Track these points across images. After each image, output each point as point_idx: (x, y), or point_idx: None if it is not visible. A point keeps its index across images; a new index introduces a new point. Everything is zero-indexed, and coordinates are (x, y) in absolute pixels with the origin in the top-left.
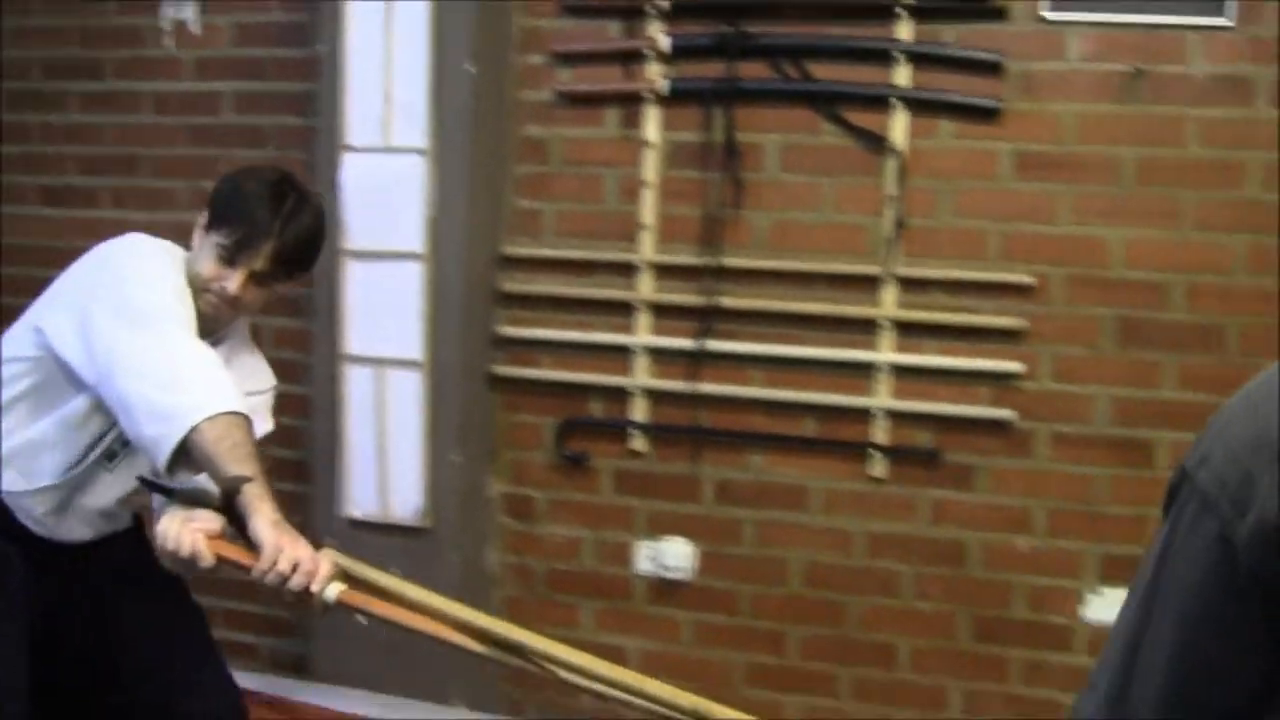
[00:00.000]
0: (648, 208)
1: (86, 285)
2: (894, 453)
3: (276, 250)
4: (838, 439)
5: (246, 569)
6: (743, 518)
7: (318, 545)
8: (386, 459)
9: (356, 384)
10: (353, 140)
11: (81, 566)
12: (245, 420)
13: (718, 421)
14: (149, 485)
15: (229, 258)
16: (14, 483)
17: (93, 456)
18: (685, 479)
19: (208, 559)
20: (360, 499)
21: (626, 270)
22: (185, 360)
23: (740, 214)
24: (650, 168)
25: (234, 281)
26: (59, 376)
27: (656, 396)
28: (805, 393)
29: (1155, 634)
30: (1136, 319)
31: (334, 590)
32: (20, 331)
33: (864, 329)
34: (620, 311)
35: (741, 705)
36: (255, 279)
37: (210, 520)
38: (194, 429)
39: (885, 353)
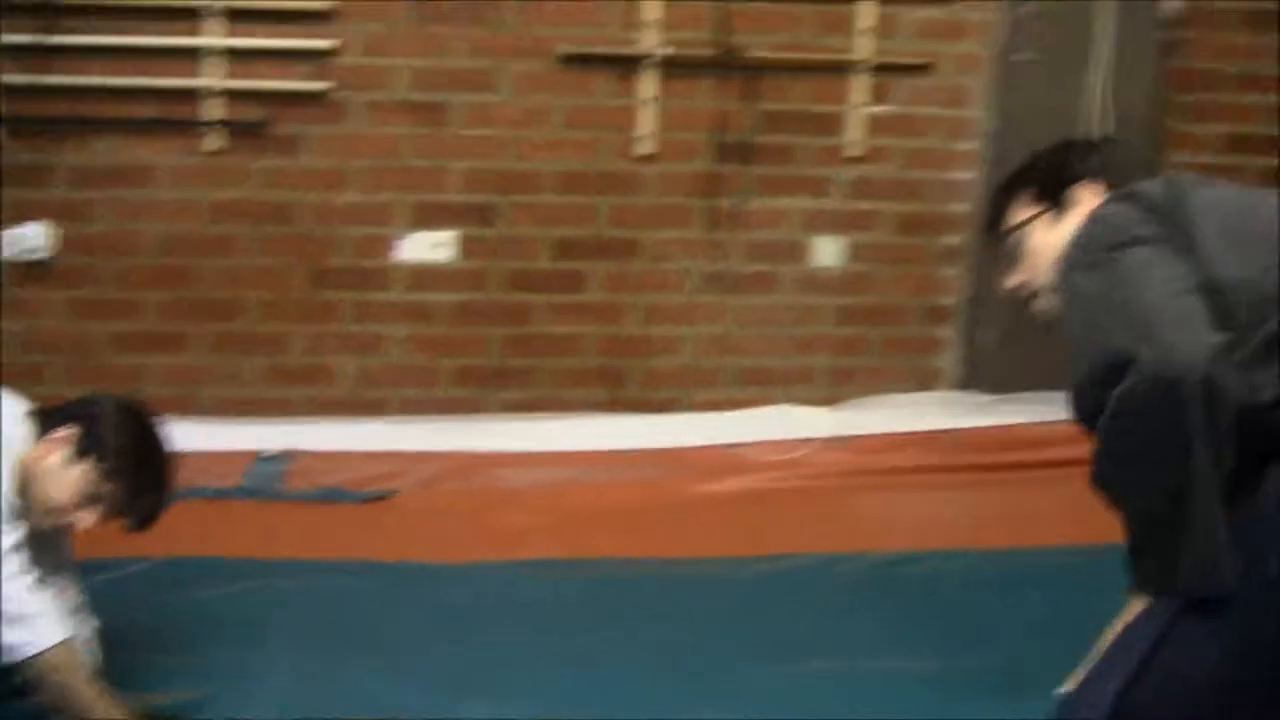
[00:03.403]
0: None
1: None
2: (228, 127)
3: (151, 513)
4: (177, 118)
5: None
6: (96, 198)
7: None
8: None
9: None
10: None
11: None
12: (66, 647)
13: (67, 111)
14: None
15: (101, 508)
16: None
17: None
18: (40, 167)
19: None
20: None
21: None
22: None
23: None
24: None
25: (91, 519)
26: None
27: (8, 91)
28: (144, 79)
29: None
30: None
31: None
32: None
33: (189, 17)
34: None
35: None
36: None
37: None
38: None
39: (213, 37)
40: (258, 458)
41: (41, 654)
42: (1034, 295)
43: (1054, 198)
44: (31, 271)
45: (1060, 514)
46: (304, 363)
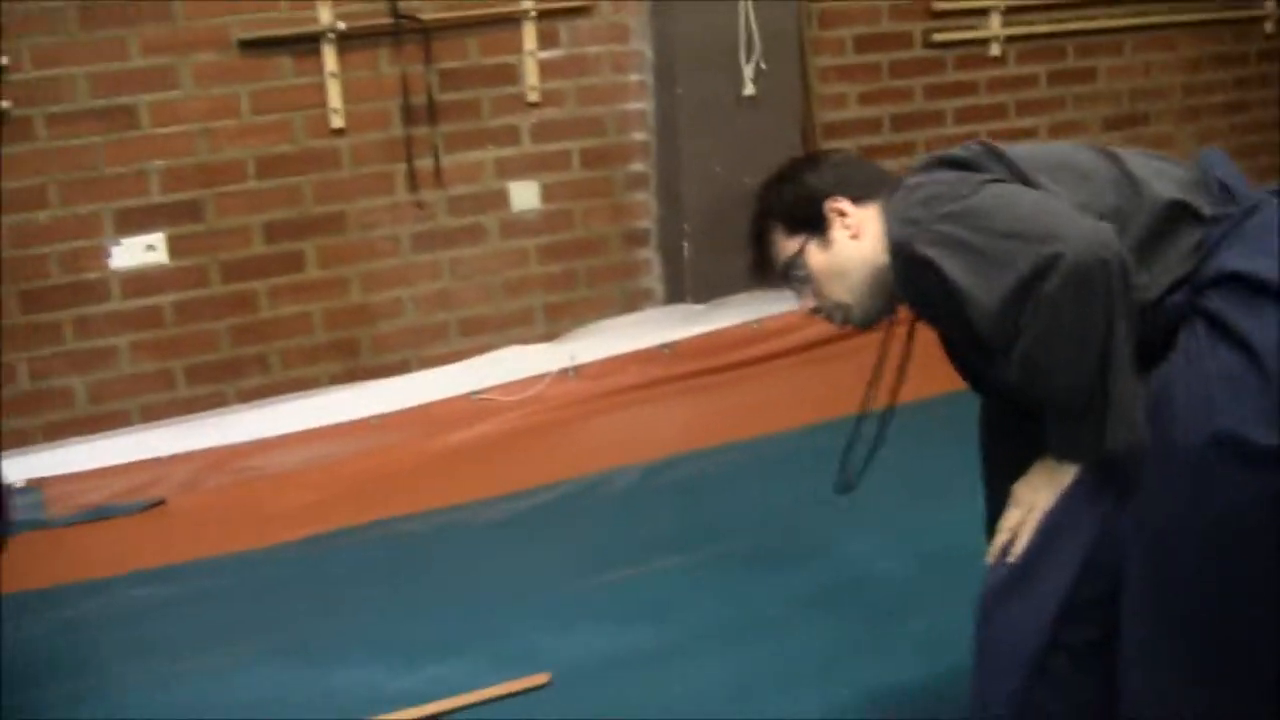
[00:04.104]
0: None
1: None
2: None
3: None
4: None
5: None
6: None
7: None
8: None
9: None
10: None
11: None
12: None
13: None
14: None
15: None
16: None
17: None
18: None
19: None
20: None
21: None
22: None
23: None
24: None
25: None
26: None
27: None
28: None
29: None
30: (92, 5)
31: None
32: None
33: None
34: None
35: None
36: None
37: None
38: None
39: None
40: (11, 492)
41: None
42: (837, 309)
43: (808, 223)
44: None
45: (779, 401)
46: (32, 389)
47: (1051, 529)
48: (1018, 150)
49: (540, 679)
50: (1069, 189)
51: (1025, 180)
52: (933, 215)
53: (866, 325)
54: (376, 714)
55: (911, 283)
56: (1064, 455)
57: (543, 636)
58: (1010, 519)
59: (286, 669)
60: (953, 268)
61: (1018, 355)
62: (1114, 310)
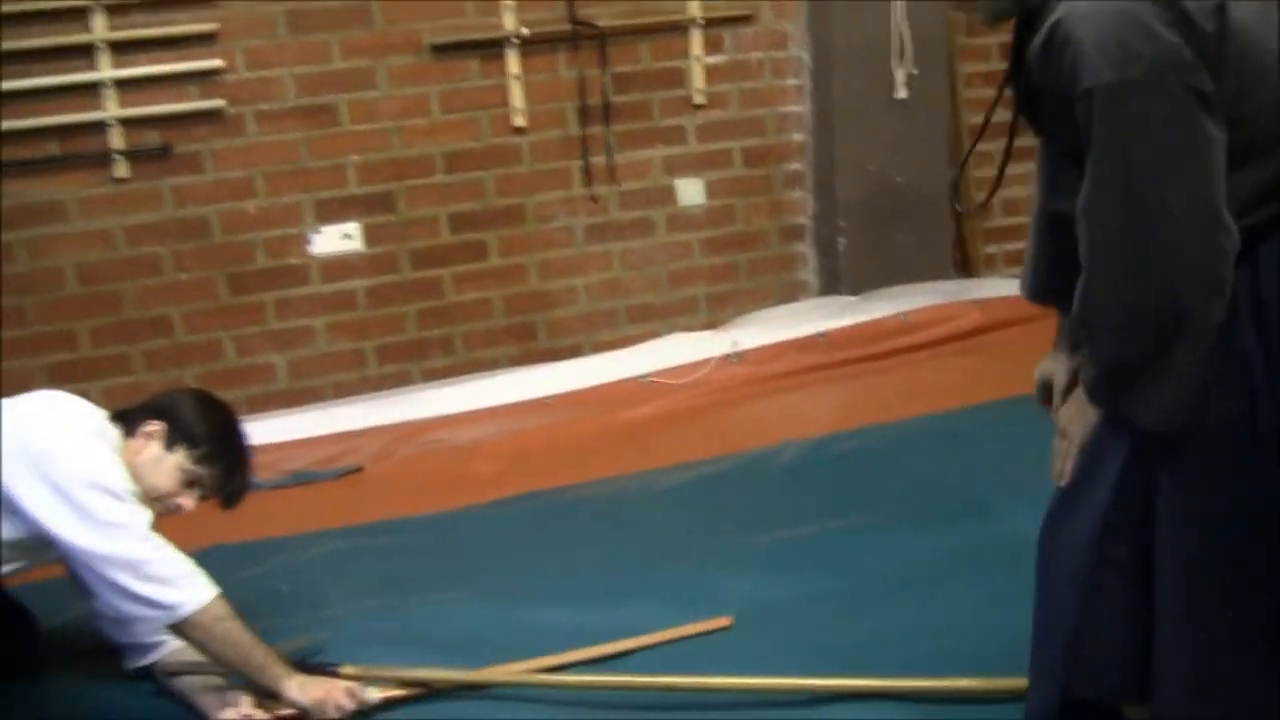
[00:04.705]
0: None
1: (48, 468)
2: (131, 154)
3: (241, 490)
4: (80, 153)
5: None
6: (12, 240)
7: (335, 673)
8: None
9: None
10: None
11: None
12: (221, 599)
13: None
14: (168, 674)
15: (203, 490)
16: None
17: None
18: None
19: None
20: None
21: None
22: (162, 556)
23: None
24: None
25: (191, 502)
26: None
27: None
28: (42, 119)
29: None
30: (301, 10)
31: (374, 695)
32: None
33: (84, 54)
34: None
35: None
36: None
37: (248, 704)
38: (185, 619)
39: (106, 71)
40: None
41: (205, 606)
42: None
43: None
44: None
45: (926, 387)
46: (237, 365)
47: (1093, 453)
48: (1239, 37)
49: (724, 621)
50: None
51: (1219, 62)
52: (1134, 74)
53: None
54: (575, 647)
55: (1059, 74)
56: (1090, 394)
57: (724, 584)
58: (1057, 445)
59: (488, 608)
60: (1105, 164)
61: (1082, 286)
62: (1204, 334)
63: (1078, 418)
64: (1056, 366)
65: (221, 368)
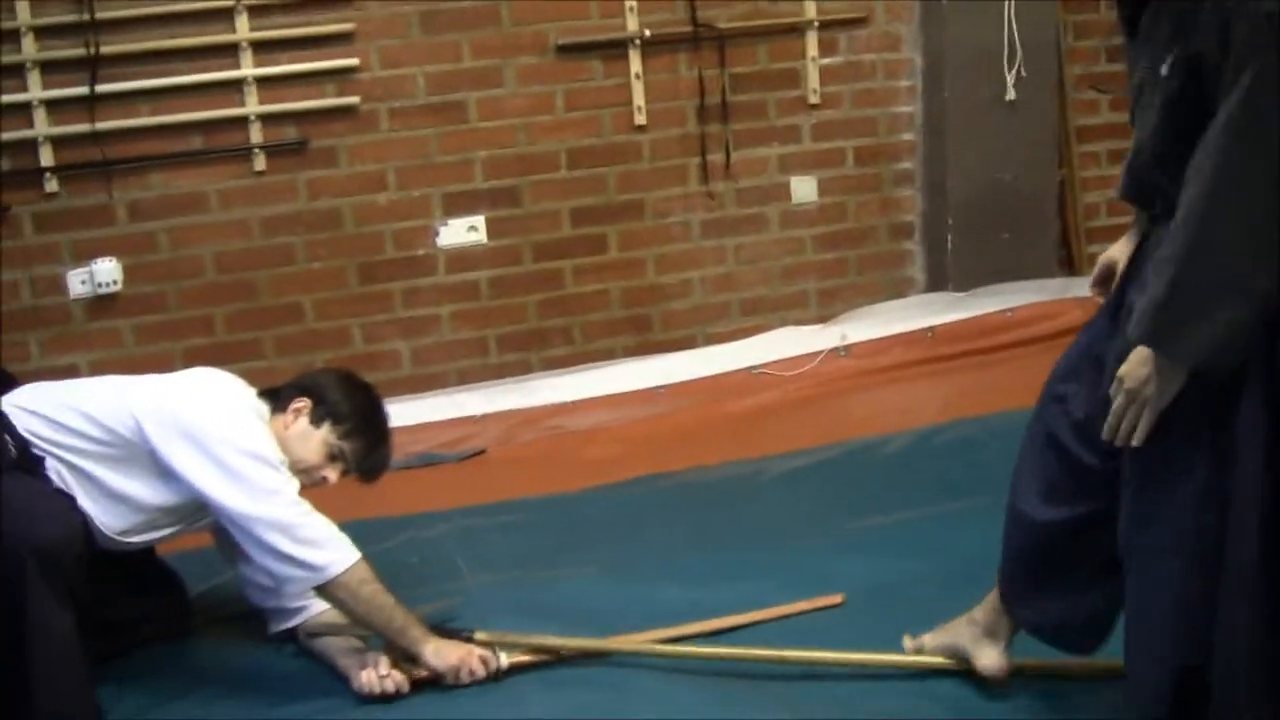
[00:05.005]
0: None
1: (207, 437)
2: (269, 149)
3: (383, 464)
4: (222, 147)
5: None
6: (155, 229)
7: (469, 638)
8: None
9: None
10: None
11: None
12: (365, 562)
13: (119, 153)
14: (311, 635)
15: (346, 464)
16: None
17: (153, 536)
18: (100, 208)
19: (406, 688)
20: None
21: (12, 35)
22: (312, 521)
23: None
24: None
25: (335, 475)
26: (149, 465)
27: (59, 142)
28: (188, 114)
29: None
30: (433, 11)
31: (504, 660)
32: (114, 403)
33: (228, 53)
34: (11, 73)
35: None
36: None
37: (386, 666)
38: (333, 580)
39: (248, 69)
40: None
41: (351, 569)
42: None
43: None
44: (102, 304)
45: (1031, 382)
46: (365, 351)
47: (1180, 420)
48: None
49: (835, 599)
50: None
51: None
52: None
53: None
54: (697, 620)
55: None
56: (1137, 321)
57: (834, 564)
58: (1121, 404)
59: (609, 583)
60: (1260, 99)
61: (1191, 209)
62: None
63: (1154, 379)
64: (1121, 252)
65: (350, 354)
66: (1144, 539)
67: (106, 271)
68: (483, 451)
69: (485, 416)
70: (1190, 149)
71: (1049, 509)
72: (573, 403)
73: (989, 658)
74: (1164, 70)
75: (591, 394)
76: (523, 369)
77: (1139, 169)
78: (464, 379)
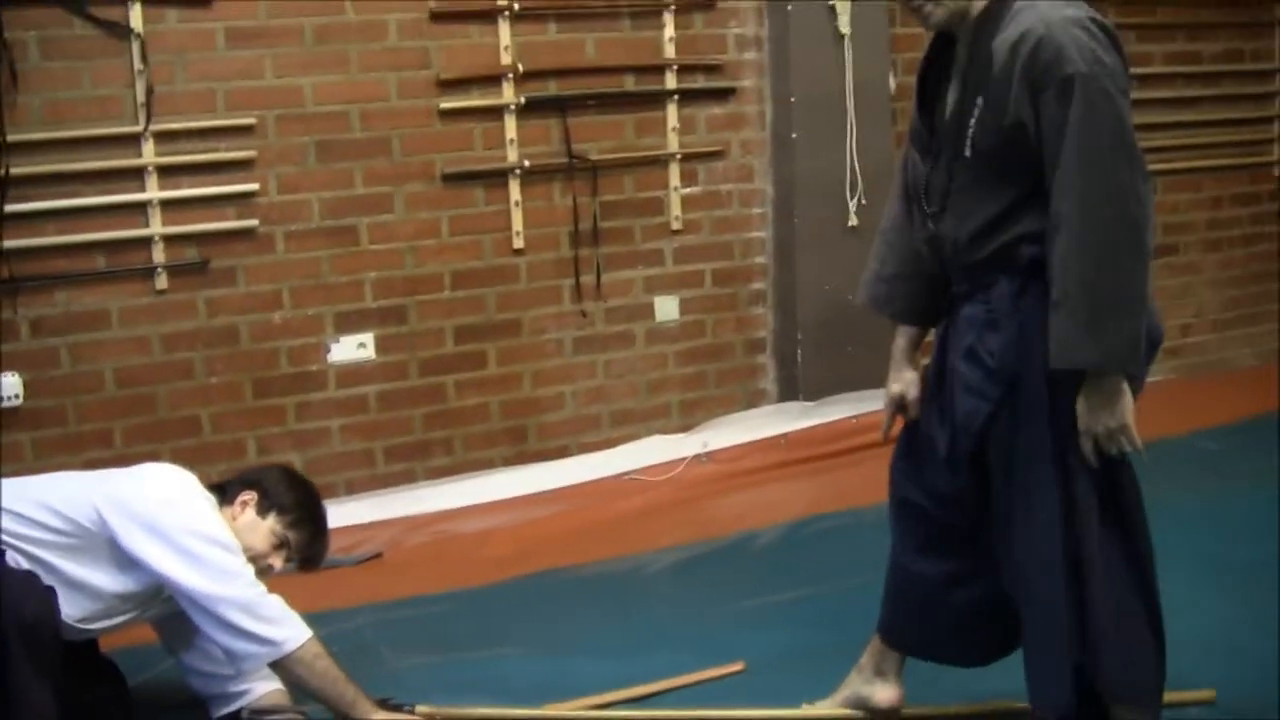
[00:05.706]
0: None
1: (169, 525)
2: (171, 269)
3: (321, 553)
4: (125, 266)
5: None
6: (57, 345)
7: (412, 712)
8: None
9: None
10: None
11: None
12: (317, 639)
13: (24, 270)
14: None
15: (289, 553)
16: None
17: (108, 624)
18: (2, 324)
19: None
20: None
21: None
22: (270, 600)
23: (16, 98)
24: None
25: (280, 563)
26: (108, 554)
27: None
28: (94, 234)
29: None
30: (329, 141)
31: None
32: (77, 495)
33: (134, 176)
34: None
35: None
36: None
37: None
38: (289, 655)
39: (152, 192)
40: None
41: (306, 643)
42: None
43: None
44: (2, 419)
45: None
46: (259, 463)
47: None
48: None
49: (737, 666)
50: None
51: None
52: (1106, 73)
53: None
54: (617, 689)
55: (1034, 63)
56: (1071, 339)
57: (731, 637)
58: (1124, 436)
59: (532, 661)
60: (1099, 123)
61: (1077, 235)
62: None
63: (1113, 400)
64: (904, 382)
65: (245, 466)
66: (1024, 565)
67: (8, 386)
68: (380, 554)
69: (374, 524)
70: (1021, 210)
71: (924, 561)
72: (456, 510)
73: (884, 691)
74: (980, 146)
75: (473, 502)
76: (408, 478)
77: (956, 256)
78: (352, 489)
